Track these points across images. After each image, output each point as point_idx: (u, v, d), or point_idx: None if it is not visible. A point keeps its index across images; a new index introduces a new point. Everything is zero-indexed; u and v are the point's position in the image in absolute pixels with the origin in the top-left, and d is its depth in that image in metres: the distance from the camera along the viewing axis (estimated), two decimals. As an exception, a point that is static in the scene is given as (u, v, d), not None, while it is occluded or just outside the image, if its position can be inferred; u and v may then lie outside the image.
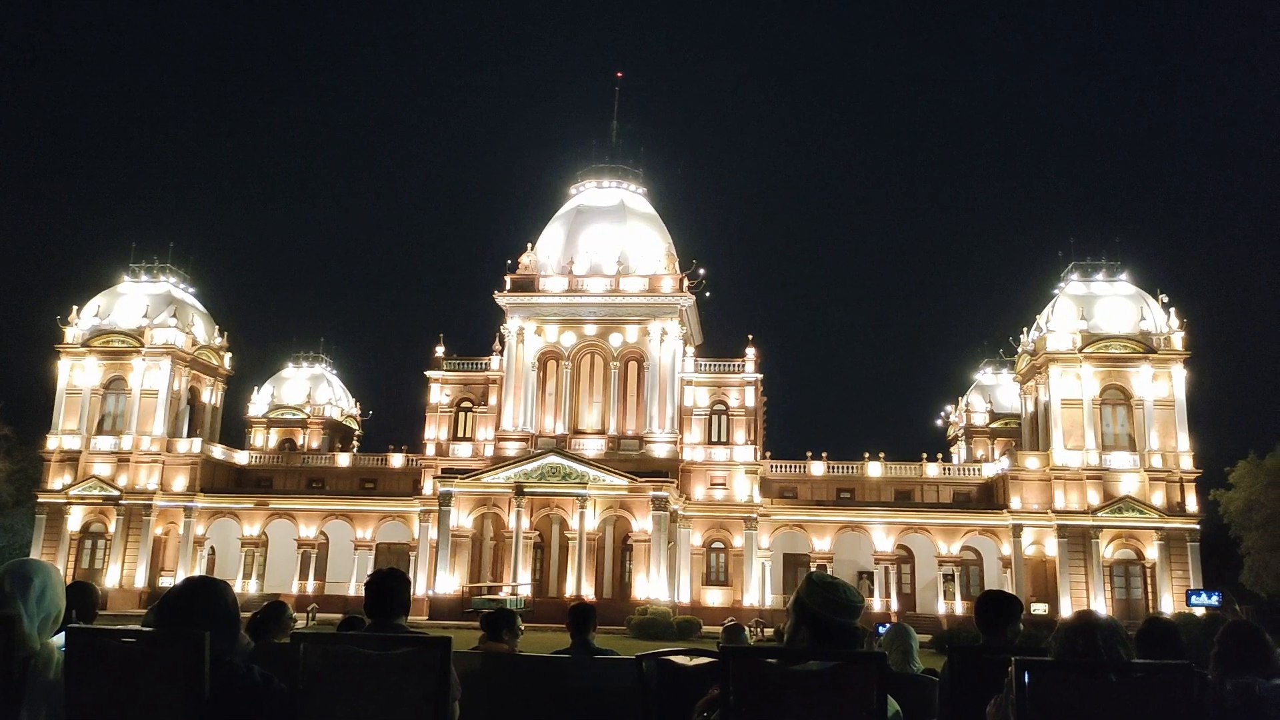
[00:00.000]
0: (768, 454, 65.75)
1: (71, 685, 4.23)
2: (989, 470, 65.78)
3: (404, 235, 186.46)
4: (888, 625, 9.27)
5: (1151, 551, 57.68)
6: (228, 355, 71.90)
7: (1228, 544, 64.00)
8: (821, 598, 4.08)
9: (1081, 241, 66.27)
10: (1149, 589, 57.67)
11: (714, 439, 62.96)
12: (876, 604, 58.26)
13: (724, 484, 61.96)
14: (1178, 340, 60.15)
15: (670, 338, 63.25)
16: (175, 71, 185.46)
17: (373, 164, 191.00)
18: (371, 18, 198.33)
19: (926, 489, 64.61)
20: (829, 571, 4.77)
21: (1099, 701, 3.94)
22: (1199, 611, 53.43)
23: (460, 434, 64.77)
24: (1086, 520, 58.11)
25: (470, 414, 64.91)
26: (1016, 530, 59.42)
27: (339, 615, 44.95)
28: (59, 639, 4.40)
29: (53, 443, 64.68)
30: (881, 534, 60.62)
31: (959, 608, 58.84)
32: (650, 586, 55.83)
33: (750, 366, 63.75)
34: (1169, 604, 55.44)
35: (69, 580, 8.14)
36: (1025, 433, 66.54)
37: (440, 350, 65.91)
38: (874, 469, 64.70)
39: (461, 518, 58.10)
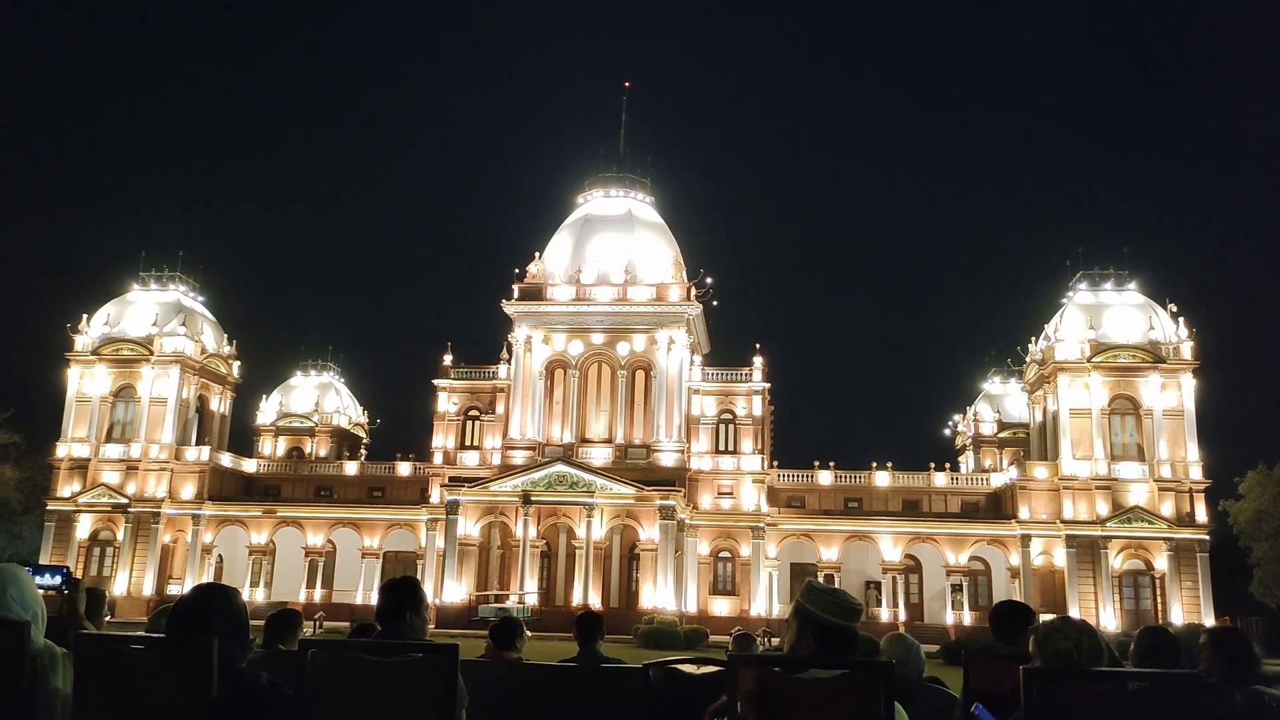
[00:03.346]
0: (775, 463, 65.71)
1: (80, 691, 4.25)
2: (997, 480, 65.60)
3: (412, 244, 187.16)
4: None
5: (1161, 562, 57.42)
6: (236, 363, 72.12)
7: (1237, 555, 63.69)
8: (823, 601, 4.09)
9: (1090, 250, 66.50)
10: (1158, 600, 57.39)
11: (721, 448, 62.89)
12: (884, 614, 58.08)
13: (731, 493, 61.86)
14: (1187, 350, 59.97)
15: (677, 347, 63.25)
16: (185, 80, 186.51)
17: (381, 173, 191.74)
18: (380, 27, 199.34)
19: (934, 498, 64.46)
20: (836, 582, 4.82)
21: (1106, 711, 3.94)
22: (1209, 621, 53.21)
23: (468, 443, 64.81)
24: (1095, 530, 57.87)
25: (478, 423, 64.96)
26: (1025, 540, 59.20)
27: (346, 624, 45.03)
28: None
29: (62, 450, 64.91)
30: (889, 544, 60.44)
31: (967, 618, 58.63)
32: (657, 596, 55.76)
33: (757, 375, 63.71)
34: (1178, 615, 55.19)
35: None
36: (1033, 442, 66.33)
37: (448, 359, 66.02)
38: (882, 478, 64.57)
39: (469, 526, 58.11)
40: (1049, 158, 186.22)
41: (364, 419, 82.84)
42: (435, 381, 65.69)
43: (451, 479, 60.61)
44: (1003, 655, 5.69)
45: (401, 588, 5.27)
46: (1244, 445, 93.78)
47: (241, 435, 75.84)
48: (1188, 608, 55.94)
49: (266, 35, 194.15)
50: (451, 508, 57.91)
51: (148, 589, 62.05)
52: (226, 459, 68.26)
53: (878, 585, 60.20)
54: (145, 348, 65.72)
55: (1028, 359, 66.48)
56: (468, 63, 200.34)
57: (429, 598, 56.29)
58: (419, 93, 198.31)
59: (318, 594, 62.23)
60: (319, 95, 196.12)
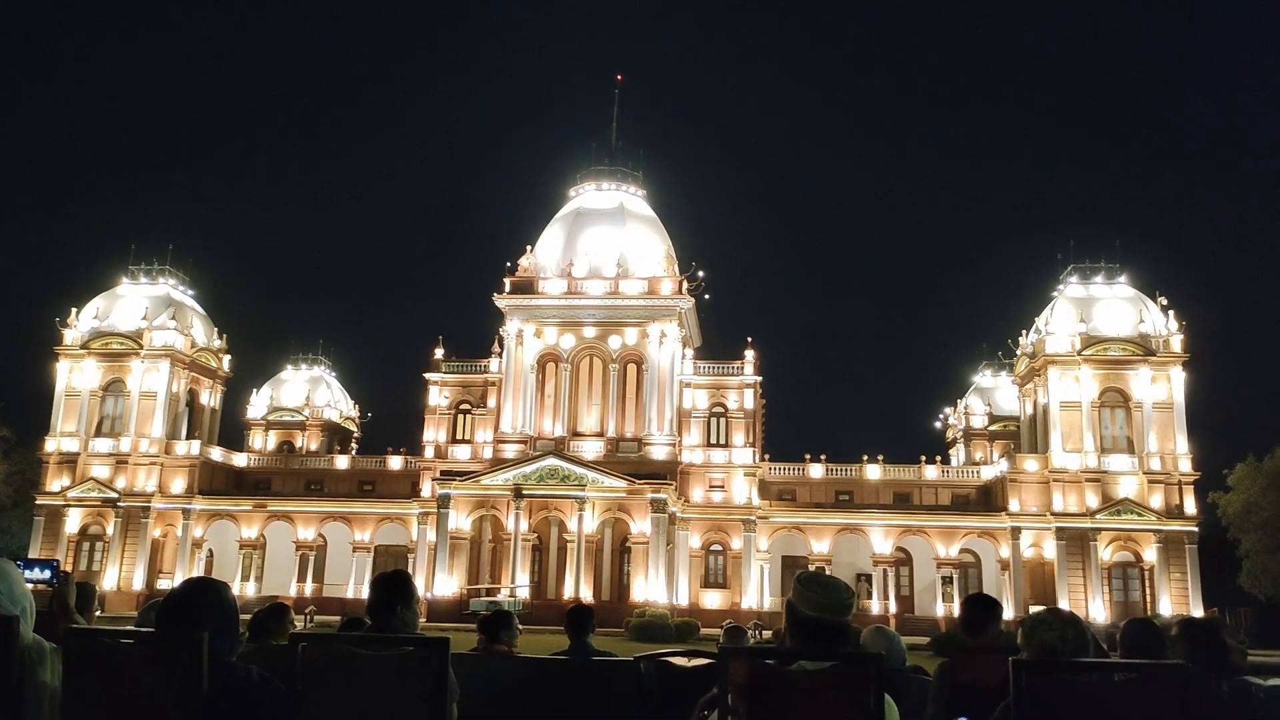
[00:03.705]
0: (766, 456, 65.72)
1: (69, 685, 4.24)
2: (987, 472, 65.79)
3: (403, 237, 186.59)
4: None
5: (1150, 554, 57.69)
6: (226, 357, 71.87)
7: (1226, 547, 64.02)
8: (811, 599, 4.09)
9: (1081, 244, 66.39)
10: (1147, 592, 57.68)
11: (713, 441, 62.95)
12: (875, 606, 58.26)
13: (723, 486, 61.95)
14: (1176, 343, 60.18)
15: (669, 340, 63.25)
16: (176, 74, 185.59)
17: (372, 166, 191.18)
18: (372, 21, 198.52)
19: (925, 491, 64.62)
20: (827, 573, 4.81)
21: (1094, 702, 3.95)
22: (1198, 613, 53.41)
23: (459, 436, 64.74)
24: (1085, 522, 58.11)
25: (469, 416, 64.90)
26: (1015, 532, 59.43)
27: (337, 617, 45.02)
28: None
29: (51, 445, 64.63)
30: (880, 536, 60.61)
31: (957, 610, 58.74)
32: (649, 589, 55.82)
33: (749, 369, 63.75)
34: (1167, 606, 55.48)
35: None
36: (1024, 435, 66.54)
37: (439, 352, 65.90)
38: (873, 471, 64.70)
39: (460, 520, 58.07)
40: (1040, 153, 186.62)
41: (355, 413, 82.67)
42: (426, 375, 65.55)
43: (443, 472, 60.52)
44: (970, 649, 5.77)
45: (392, 581, 5.26)
46: (1233, 438, 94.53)
47: (232, 429, 75.75)
48: (1177, 599, 56.22)
49: (259, 28, 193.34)
50: (443, 501, 57.86)
51: (138, 583, 61.91)
52: (217, 453, 68.06)
53: (868, 578, 60.37)
54: (134, 341, 65.43)
55: (1018, 352, 66.62)
56: (462, 59, 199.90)
57: (420, 591, 56.29)
58: (413, 89, 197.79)
59: (308, 588, 62.13)
60: (313, 92, 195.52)
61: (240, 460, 70.30)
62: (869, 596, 59.11)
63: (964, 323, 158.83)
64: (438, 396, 65.20)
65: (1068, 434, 59.82)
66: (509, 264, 65.83)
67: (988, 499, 63.44)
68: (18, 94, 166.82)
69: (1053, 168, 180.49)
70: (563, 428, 62.75)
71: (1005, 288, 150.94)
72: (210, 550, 64.97)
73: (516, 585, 55.25)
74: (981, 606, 6.32)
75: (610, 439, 62.26)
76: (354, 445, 78.75)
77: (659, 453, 61.27)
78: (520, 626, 8.87)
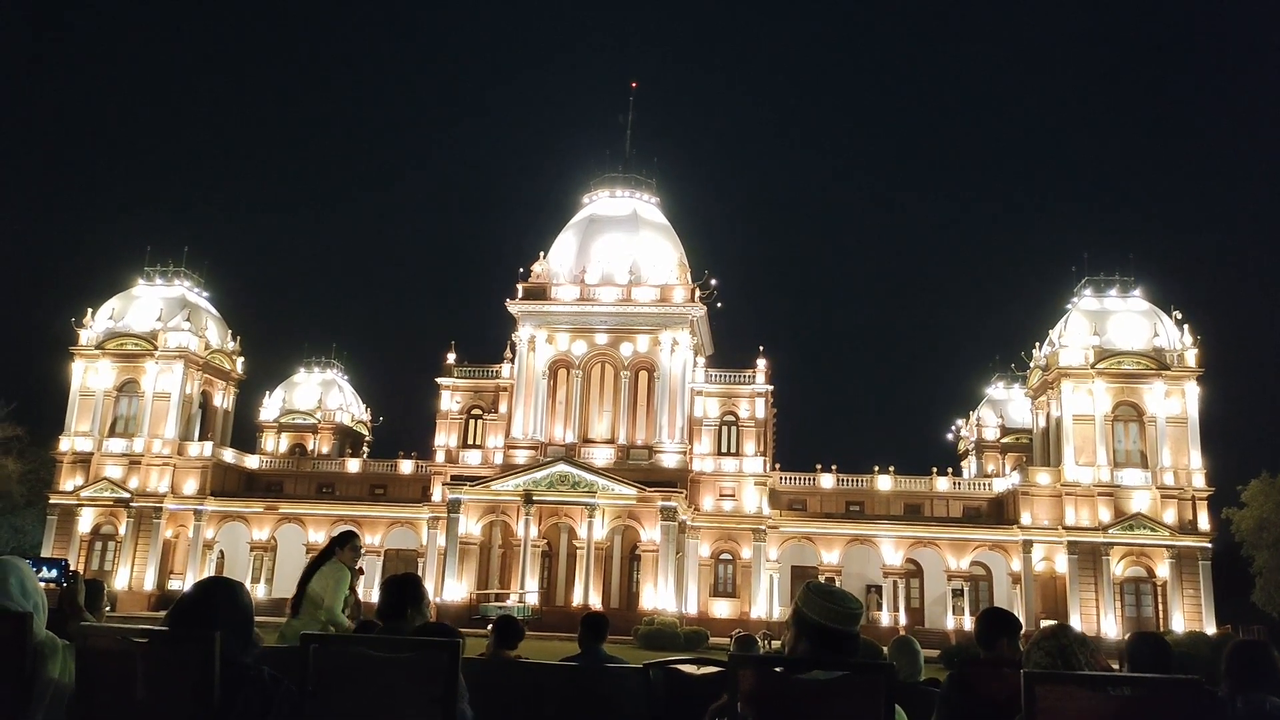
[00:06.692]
0: (777, 466, 65.63)
1: (81, 683, 4.26)
2: (999, 485, 65.49)
3: (417, 242, 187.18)
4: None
5: (1163, 569, 57.30)
6: (240, 359, 72.14)
7: (1239, 563, 63.59)
8: (820, 606, 4.07)
9: (1095, 257, 66.15)
10: (1160, 607, 57.27)
11: (723, 450, 62.83)
12: (885, 618, 58.02)
13: (733, 495, 61.80)
14: (1191, 357, 59.83)
15: (681, 348, 63.20)
16: (190, 76, 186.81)
17: (387, 171, 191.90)
18: (386, 26, 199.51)
19: (936, 503, 64.34)
20: (837, 585, 4.84)
21: (1106, 715, 3.93)
22: (1210, 630, 53.21)
23: (470, 441, 64.82)
24: (1097, 537, 57.76)
25: (480, 421, 64.97)
26: (1027, 546, 59.12)
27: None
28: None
29: (65, 444, 64.96)
30: (890, 548, 60.37)
31: (967, 623, 58.53)
32: (658, 597, 55.74)
33: (761, 378, 63.66)
34: (1179, 623, 55.07)
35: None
36: (1036, 448, 66.22)
37: (451, 357, 66.03)
38: (884, 482, 64.47)
39: (470, 525, 58.12)
40: (1055, 165, 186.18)
41: (367, 416, 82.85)
42: (438, 380, 65.69)
43: (453, 477, 60.62)
44: (983, 661, 5.78)
45: (403, 585, 5.29)
46: (1247, 453, 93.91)
47: (244, 431, 75.96)
48: (1189, 616, 55.79)
49: (272, 33, 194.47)
50: (453, 506, 57.91)
51: (149, 584, 62.12)
52: (229, 455, 68.28)
53: (878, 589, 60.10)
54: (149, 342, 65.75)
55: (1031, 365, 66.37)
56: (474, 62, 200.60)
57: (430, 596, 56.50)
58: (427, 94, 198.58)
59: (318, 591, 62.09)
60: (327, 97, 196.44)
61: (252, 462, 70.53)
62: (879, 608, 58.85)
63: (976, 334, 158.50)
64: (449, 401, 65.31)
65: (1080, 447, 59.50)
66: (522, 270, 65.97)
67: (999, 512, 63.14)
68: (34, 95, 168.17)
69: (1067, 180, 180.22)
70: (573, 434, 62.76)
71: (1018, 300, 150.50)
72: (221, 551, 65.15)
73: (526, 591, 55.25)
74: (995, 620, 6.32)
75: (621, 446, 62.23)
76: (365, 449, 78.91)
77: (669, 461, 61.20)
78: (529, 632, 8.89)
